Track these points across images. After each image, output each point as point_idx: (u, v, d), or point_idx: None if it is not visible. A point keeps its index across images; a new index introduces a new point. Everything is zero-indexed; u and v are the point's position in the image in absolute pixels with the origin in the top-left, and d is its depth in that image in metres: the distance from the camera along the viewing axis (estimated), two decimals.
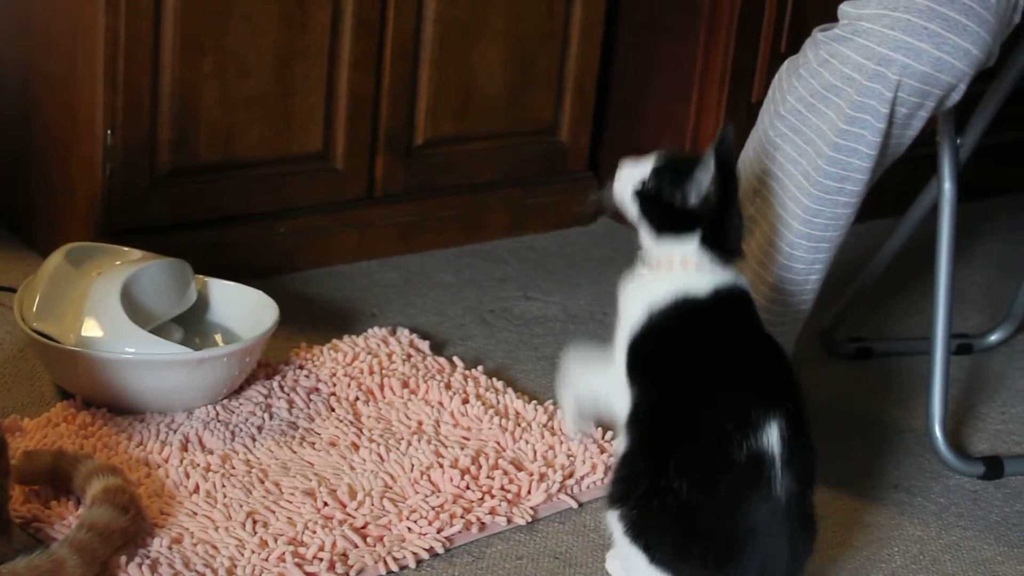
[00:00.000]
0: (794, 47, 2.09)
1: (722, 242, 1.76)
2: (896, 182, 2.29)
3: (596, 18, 2.82)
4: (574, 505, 1.97)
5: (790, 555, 1.67)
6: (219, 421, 2.05)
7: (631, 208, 1.79)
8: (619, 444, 1.74)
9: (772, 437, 1.65)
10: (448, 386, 2.19)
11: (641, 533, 1.67)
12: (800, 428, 1.68)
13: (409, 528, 1.86)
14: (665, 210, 1.76)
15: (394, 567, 1.81)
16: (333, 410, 2.12)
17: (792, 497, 1.66)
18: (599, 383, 1.80)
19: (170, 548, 1.77)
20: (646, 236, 1.78)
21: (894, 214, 2.48)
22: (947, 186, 2.16)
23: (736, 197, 1.78)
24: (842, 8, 1.98)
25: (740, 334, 1.75)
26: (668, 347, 1.74)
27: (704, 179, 1.73)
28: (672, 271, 1.75)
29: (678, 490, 1.64)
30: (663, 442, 1.68)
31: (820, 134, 1.97)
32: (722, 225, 1.76)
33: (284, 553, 1.78)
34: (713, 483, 1.64)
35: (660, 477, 1.65)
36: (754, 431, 1.65)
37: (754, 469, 1.65)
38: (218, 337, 2.23)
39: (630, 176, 1.79)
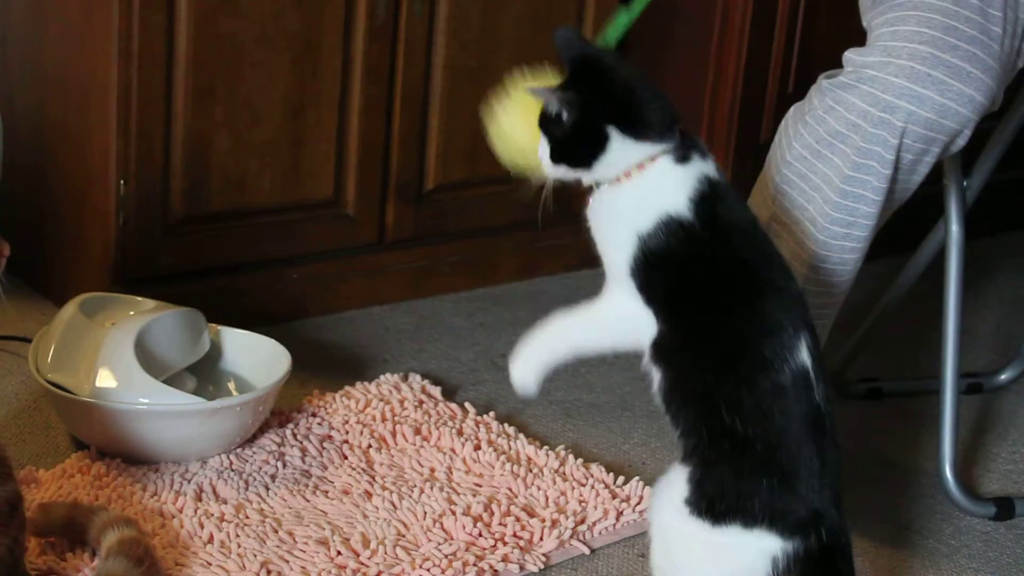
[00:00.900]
0: (801, 88, 2.10)
1: (640, 122, 1.69)
2: (905, 220, 2.30)
3: None
4: (586, 551, 1.98)
5: (837, 458, 1.69)
6: (233, 470, 2.07)
7: (555, 170, 1.73)
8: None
9: (804, 353, 1.66)
10: (460, 432, 2.20)
11: (704, 492, 1.67)
12: (816, 334, 1.70)
13: None
14: (570, 141, 1.70)
15: None
16: (346, 458, 2.13)
17: (827, 403, 1.68)
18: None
19: None
20: (589, 177, 1.72)
21: (903, 252, 2.49)
22: (954, 228, 2.17)
23: (616, 75, 1.70)
24: (847, 55, 1.99)
25: (740, 248, 1.72)
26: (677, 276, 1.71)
27: (552, 100, 1.68)
28: (636, 181, 1.70)
29: (736, 430, 1.65)
30: (704, 375, 1.68)
31: (827, 181, 1.98)
32: (626, 103, 1.69)
33: None
34: (767, 412, 1.65)
35: (711, 414, 1.66)
36: (791, 352, 1.66)
37: (799, 389, 1.66)
38: (231, 385, 2.25)
39: (542, 148, 1.74)
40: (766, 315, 1.68)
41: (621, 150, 1.70)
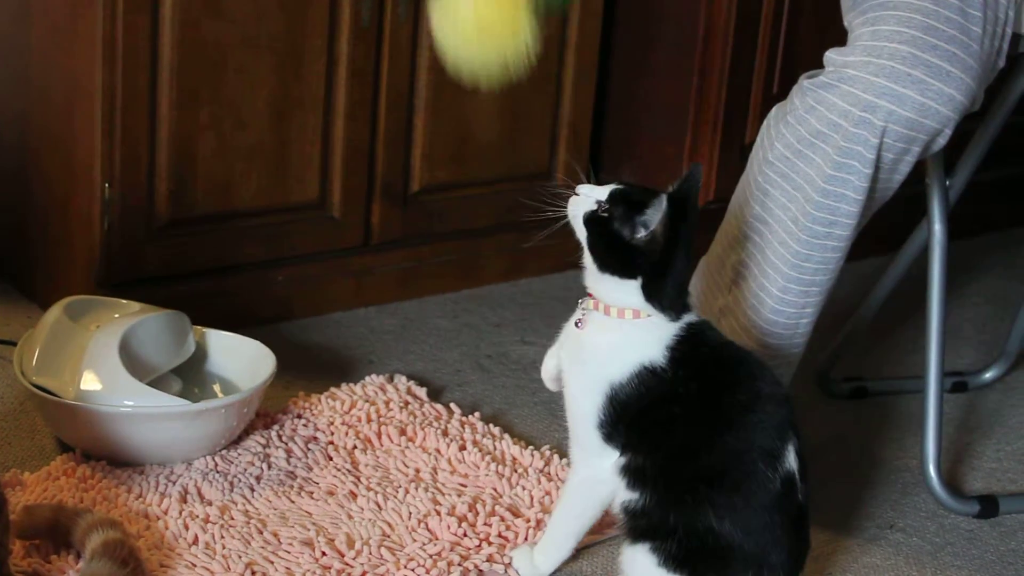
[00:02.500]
0: (785, 89, 2.11)
1: (659, 295, 1.73)
2: (888, 221, 2.31)
3: (589, 62, 2.84)
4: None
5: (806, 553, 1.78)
6: (218, 472, 2.07)
7: (581, 232, 1.77)
8: (621, 496, 1.79)
9: (791, 457, 1.73)
10: (445, 433, 2.21)
11: (683, 565, 1.73)
12: (799, 434, 1.76)
13: None
14: (611, 241, 1.73)
15: None
16: (331, 459, 2.13)
17: (807, 499, 1.76)
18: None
19: None
20: (590, 268, 1.77)
21: (887, 252, 2.50)
22: (937, 228, 2.18)
23: (687, 243, 1.74)
24: (828, 55, 2.00)
25: (726, 373, 1.78)
26: (659, 409, 1.76)
27: (654, 217, 1.70)
28: (622, 327, 1.75)
29: (723, 531, 1.71)
30: (692, 488, 1.73)
31: (808, 180, 1.99)
32: (664, 275, 1.72)
33: None
34: (757, 516, 1.72)
35: (698, 519, 1.71)
36: (780, 459, 1.72)
37: (785, 492, 1.73)
38: (216, 387, 2.25)
39: (587, 197, 1.76)
40: (754, 427, 1.73)
41: (631, 292, 1.73)
